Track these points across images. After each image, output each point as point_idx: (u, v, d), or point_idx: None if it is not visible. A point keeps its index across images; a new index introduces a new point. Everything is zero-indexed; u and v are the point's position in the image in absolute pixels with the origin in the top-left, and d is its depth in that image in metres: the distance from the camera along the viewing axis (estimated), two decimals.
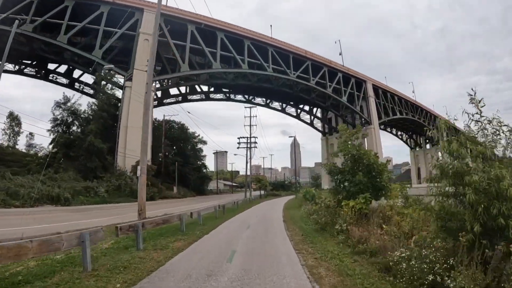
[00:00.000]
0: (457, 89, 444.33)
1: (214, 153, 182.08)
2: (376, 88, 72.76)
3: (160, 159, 50.42)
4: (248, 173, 46.77)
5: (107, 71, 39.80)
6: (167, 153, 59.86)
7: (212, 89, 60.68)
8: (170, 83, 49.45)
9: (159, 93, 55.48)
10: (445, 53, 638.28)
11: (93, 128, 35.04)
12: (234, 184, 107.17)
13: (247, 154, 38.39)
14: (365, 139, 73.56)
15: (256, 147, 38.69)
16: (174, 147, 59.51)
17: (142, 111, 40.51)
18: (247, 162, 38.28)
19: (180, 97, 59.06)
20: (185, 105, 64.64)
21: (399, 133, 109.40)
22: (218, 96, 62.06)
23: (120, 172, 34.79)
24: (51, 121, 37.03)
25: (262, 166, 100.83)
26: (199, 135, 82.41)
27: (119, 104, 41.61)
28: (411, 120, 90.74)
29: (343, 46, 66.56)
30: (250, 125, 39.19)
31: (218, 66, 46.54)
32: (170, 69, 46.50)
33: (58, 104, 37.05)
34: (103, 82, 40.90)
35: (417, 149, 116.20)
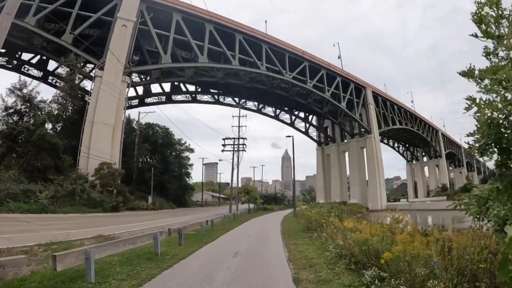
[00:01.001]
0: (449, 106, 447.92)
1: (203, 164, 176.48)
2: (375, 95, 67.95)
3: (135, 164, 44.07)
4: (235, 181, 39.95)
5: (74, 57, 33.96)
6: (148, 159, 53.54)
7: (199, 89, 54.86)
8: (150, 78, 43.46)
9: (140, 90, 49.57)
10: (436, 69, 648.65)
11: (46, 118, 28.72)
12: (222, 196, 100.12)
13: (233, 158, 32.38)
14: (364, 149, 68.75)
15: (244, 150, 32.78)
16: (157, 154, 53.27)
17: (113, 104, 34.84)
18: (233, 169, 32.19)
19: (164, 97, 53.06)
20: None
21: (395, 144, 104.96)
22: (206, 98, 56.23)
23: (77, 175, 28.41)
24: (2, 110, 30.49)
25: (253, 179, 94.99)
26: (185, 142, 76.59)
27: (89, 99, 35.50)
28: (410, 131, 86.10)
29: (338, 59, 61.74)
30: (239, 126, 33.38)
31: (205, 60, 40.88)
32: (151, 62, 40.79)
33: (12, 90, 30.58)
34: (68, 70, 34.81)
35: (414, 162, 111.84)
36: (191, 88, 54.26)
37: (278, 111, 65.99)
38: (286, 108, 64.65)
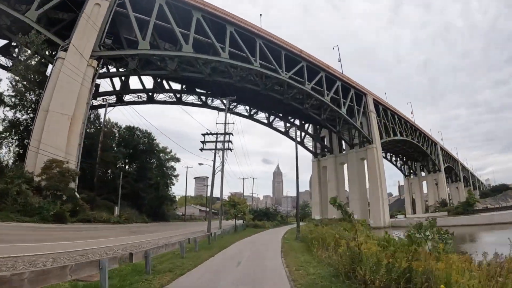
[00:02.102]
0: (440, 121, 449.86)
1: (194, 178, 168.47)
2: (376, 104, 62.76)
3: (104, 168, 37.36)
4: (217, 191, 31.22)
5: (35, 33, 28.07)
6: (125, 165, 46.79)
7: (184, 88, 48.65)
8: (126, 69, 37.26)
9: (117, 84, 43.11)
10: (427, 86, 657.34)
11: None
12: (213, 210, 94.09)
13: (215, 158, 25.28)
14: (365, 161, 63.07)
15: (230, 149, 26.11)
16: (137, 160, 46.58)
17: (74, 90, 27.87)
18: (214, 172, 25.05)
19: (145, 95, 46.75)
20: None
21: (393, 158, 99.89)
22: (192, 99, 49.99)
23: (16, 173, 21.90)
24: None
25: (242, 192, 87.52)
26: (171, 151, 69.88)
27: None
28: (410, 144, 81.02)
29: (338, 62, 56.62)
30: (226, 119, 27.13)
31: (190, 50, 34.96)
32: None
33: None
34: (25, 50, 28.81)
35: (412, 176, 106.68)
36: (176, 86, 48.06)
37: (271, 117, 60.06)
38: (280, 114, 58.74)
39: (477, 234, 37.91)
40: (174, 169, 68.26)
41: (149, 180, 40.84)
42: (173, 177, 67.89)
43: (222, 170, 26.39)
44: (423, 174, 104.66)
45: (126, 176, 38.42)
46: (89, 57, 30.18)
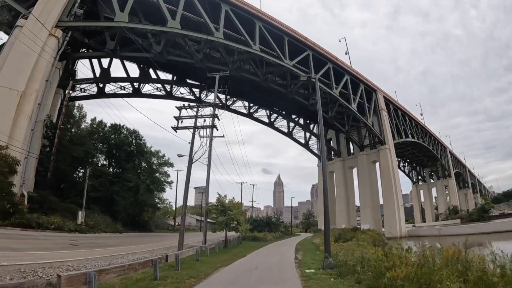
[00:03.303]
0: (441, 130, 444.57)
1: (194, 188, 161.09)
2: (386, 102, 56.57)
3: (75, 167, 30.76)
4: (193, 192, 23.70)
5: None
6: (109, 165, 40.25)
7: (174, 78, 42.25)
8: (104, 50, 31.08)
9: (97, 70, 36.80)
10: (426, 95, 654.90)
11: None
12: (210, 220, 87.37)
13: (193, 140, 17.80)
14: (376, 164, 56.55)
15: (216, 127, 19.16)
16: (122, 162, 40.05)
17: (29, 63, 20.61)
18: (192, 158, 18.06)
19: (130, 86, 40.48)
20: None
21: (401, 164, 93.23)
22: (183, 92, 43.65)
23: None
24: None
25: (241, 201, 79.43)
26: (163, 155, 63.36)
27: None
28: (420, 147, 74.63)
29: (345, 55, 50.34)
30: (216, 89, 20.93)
31: (177, 26, 28.87)
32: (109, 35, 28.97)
33: None
34: None
35: (420, 183, 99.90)
36: (164, 77, 41.65)
37: (273, 116, 53.54)
38: (283, 112, 52.33)
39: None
40: (168, 175, 61.91)
41: (127, 182, 33.98)
42: (166, 184, 61.44)
43: (209, 159, 19.96)
44: (431, 180, 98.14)
45: (100, 176, 31.84)
46: (53, 26, 24.14)
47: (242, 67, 37.57)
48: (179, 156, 25.00)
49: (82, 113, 47.42)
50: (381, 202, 53.48)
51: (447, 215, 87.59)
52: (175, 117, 19.15)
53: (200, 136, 18.64)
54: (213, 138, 20.59)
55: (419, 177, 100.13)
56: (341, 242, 18.50)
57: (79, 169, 32.79)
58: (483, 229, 45.63)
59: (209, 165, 21.63)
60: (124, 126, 43.96)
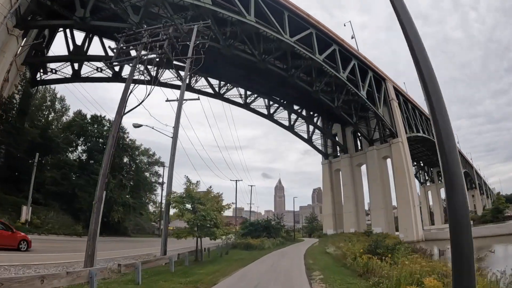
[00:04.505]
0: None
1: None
2: (396, 94, 50.64)
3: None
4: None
5: None
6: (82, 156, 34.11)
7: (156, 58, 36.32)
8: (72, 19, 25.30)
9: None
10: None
11: None
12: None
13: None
14: (387, 160, 50.48)
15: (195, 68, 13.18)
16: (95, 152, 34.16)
17: None
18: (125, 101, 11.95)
19: (110, 71, 34.54)
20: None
21: None
22: (171, 76, 37.41)
23: None
24: None
25: (245, 209, 72.10)
26: (154, 153, 57.50)
27: None
28: (429, 144, 68.25)
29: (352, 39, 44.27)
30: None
31: None
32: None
33: None
34: None
35: (428, 183, 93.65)
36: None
37: (273, 107, 47.11)
38: (283, 102, 46.15)
39: None
40: (159, 175, 56.05)
41: (95, 175, 27.63)
42: (157, 184, 55.46)
43: (179, 106, 13.68)
44: (440, 181, 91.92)
45: (62, 167, 25.77)
46: None
47: (235, 45, 31.68)
48: (136, 126, 18.76)
49: (65, 107, 41.98)
50: (393, 202, 47.36)
51: None
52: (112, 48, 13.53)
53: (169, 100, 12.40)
54: (186, 100, 14.52)
55: (427, 178, 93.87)
56: (388, 259, 11.12)
57: (40, 159, 26.72)
58: (494, 231, 39.74)
59: (176, 127, 15.62)
60: (106, 117, 38.38)
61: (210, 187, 15.48)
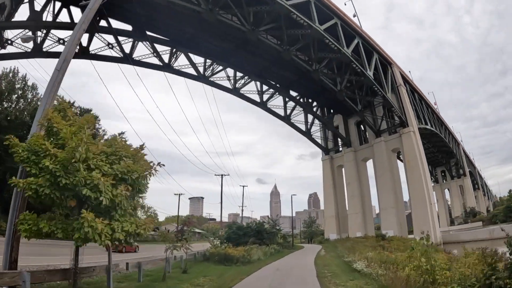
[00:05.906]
0: None
1: (189, 198, 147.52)
2: (403, 81, 44.81)
3: None
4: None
5: None
6: None
7: (131, 29, 29.49)
8: None
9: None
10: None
11: None
12: (198, 230, 75.98)
13: None
14: (397, 153, 44.30)
15: None
16: None
17: None
18: None
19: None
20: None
21: None
22: (147, 54, 30.99)
23: None
24: None
25: (241, 214, 66.60)
26: (143, 144, 50.57)
27: None
28: (435, 140, 62.68)
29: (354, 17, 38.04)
30: None
31: None
32: None
33: None
34: None
35: (432, 184, 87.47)
36: (120, 25, 28.81)
37: (266, 94, 40.51)
38: (277, 85, 39.75)
39: None
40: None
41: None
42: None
43: None
44: (444, 181, 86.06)
45: None
46: None
47: (219, 11, 25.57)
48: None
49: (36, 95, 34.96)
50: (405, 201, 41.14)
51: (463, 218, 75.74)
52: None
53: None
54: None
55: (431, 178, 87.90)
56: None
57: None
58: None
59: None
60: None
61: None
